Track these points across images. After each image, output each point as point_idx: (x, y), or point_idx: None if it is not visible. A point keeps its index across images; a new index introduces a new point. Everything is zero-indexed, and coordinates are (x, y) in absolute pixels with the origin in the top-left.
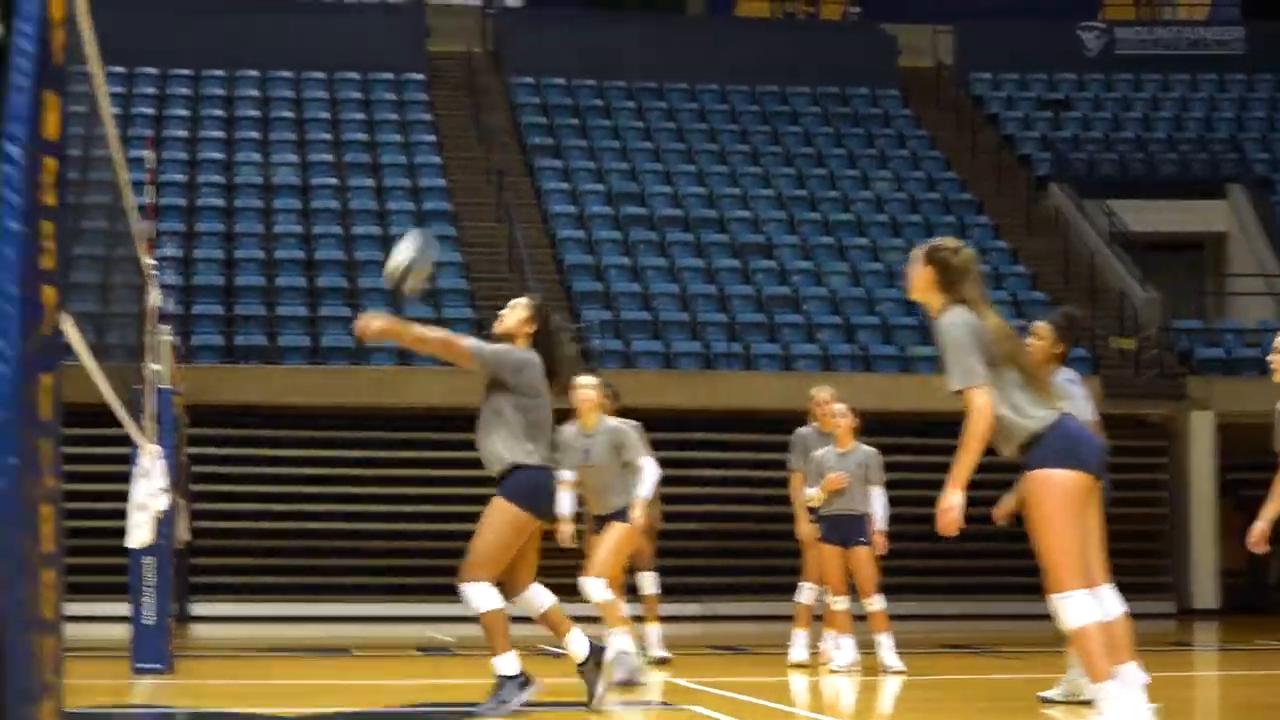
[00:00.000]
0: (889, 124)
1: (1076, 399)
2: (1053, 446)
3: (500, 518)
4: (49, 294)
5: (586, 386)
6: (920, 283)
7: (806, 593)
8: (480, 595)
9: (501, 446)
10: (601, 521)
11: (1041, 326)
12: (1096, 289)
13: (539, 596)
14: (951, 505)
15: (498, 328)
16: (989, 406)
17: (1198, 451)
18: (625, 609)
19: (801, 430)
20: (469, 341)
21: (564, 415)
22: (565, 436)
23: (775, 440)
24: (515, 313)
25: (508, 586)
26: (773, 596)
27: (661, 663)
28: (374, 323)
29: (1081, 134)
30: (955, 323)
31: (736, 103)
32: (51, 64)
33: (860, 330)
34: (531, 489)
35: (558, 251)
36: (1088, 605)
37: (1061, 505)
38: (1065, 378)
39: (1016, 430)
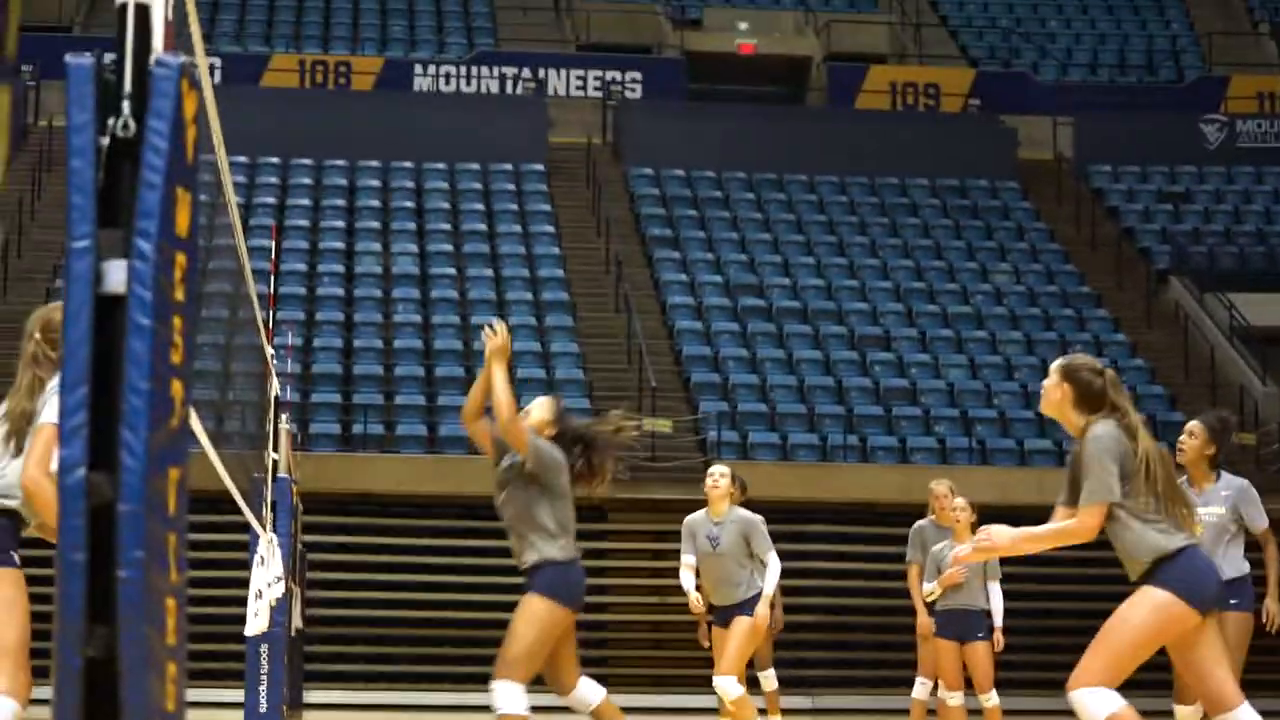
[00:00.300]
0: (1008, 216)
1: (1249, 505)
2: (1175, 574)
3: (534, 614)
4: (177, 388)
5: (719, 474)
6: (1055, 400)
7: (920, 688)
8: (508, 696)
9: (539, 541)
10: (723, 613)
11: (1195, 426)
12: (1217, 383)
13: (589, 691)
14: (995, 538)
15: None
16: (1096, 529)
17: None
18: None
19: (920, 523)
20: (528, 428)
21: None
22: (694, 523)
23: (892, 534)
24: (539, 412)
25: (556, 684)
26: (887, 690)
27: None
28: (498, 341)
29: (1202, 227)
30: (1102, 435)
31: (855, 194)
32: (183, 161)
33: (978, 423)
34: (565, 583)
35: (675, 342)
36: (1110, 698)
37: (1154, 628)
38: (1231, 485)
39: (1143, 550)
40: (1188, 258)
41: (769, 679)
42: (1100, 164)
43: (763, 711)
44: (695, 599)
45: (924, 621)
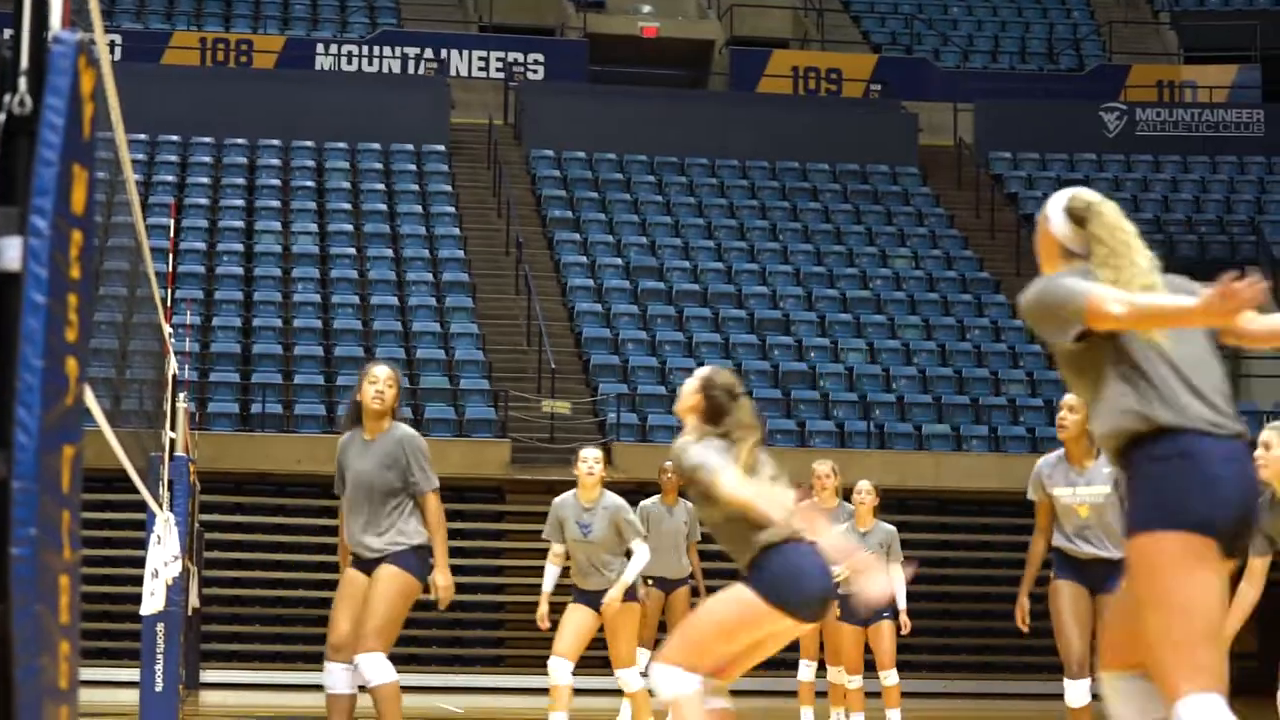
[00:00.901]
0: (908, 201)
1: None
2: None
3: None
4: (72, 366)
5: (593, 460)
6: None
7: (805, 669)
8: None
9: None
10: (589, 596)
11: (1075, 400)
12: None
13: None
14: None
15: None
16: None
17: None
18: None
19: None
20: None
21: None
22: (563, 508)
23: None
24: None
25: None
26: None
27: None
28: None
29: None
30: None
31: (756, 178)
32: (80, 138)
33: (876, 407)
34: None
35: (575, 324)
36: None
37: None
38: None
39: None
40: None
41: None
42: (1000, 150)
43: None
44: (543, 613)
45: None
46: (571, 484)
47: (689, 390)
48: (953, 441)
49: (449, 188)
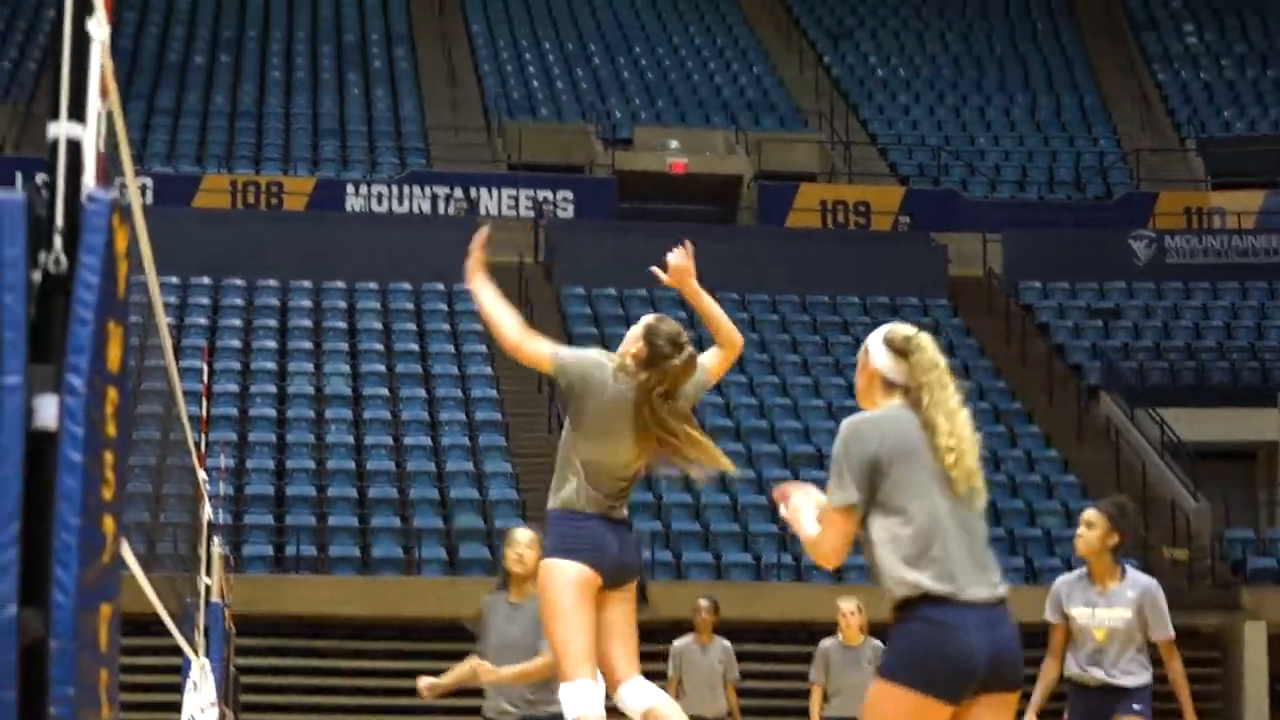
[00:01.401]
0: (939, 332)
1: (1155, 609)
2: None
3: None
4: (109, 524)
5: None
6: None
7: None
8: None
9: None
10: None
11: (1093, 514)
12: (1148, 498)
13: None
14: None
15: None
16: None
17: (1251, 662)
18: None
19: (825, 643)
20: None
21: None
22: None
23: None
24: None
25: None
26: None
27: None
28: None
29: (1132, 343)
30: None
31: (787, 311)
32: (115, 295)
33: None
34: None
35: None
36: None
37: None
38: (1137, 585)
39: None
40: (1118, 373)
41: None
42: (1030, 280)
43: None
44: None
45: None
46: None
47: (632, 337)
48: None
49: (480, 326)
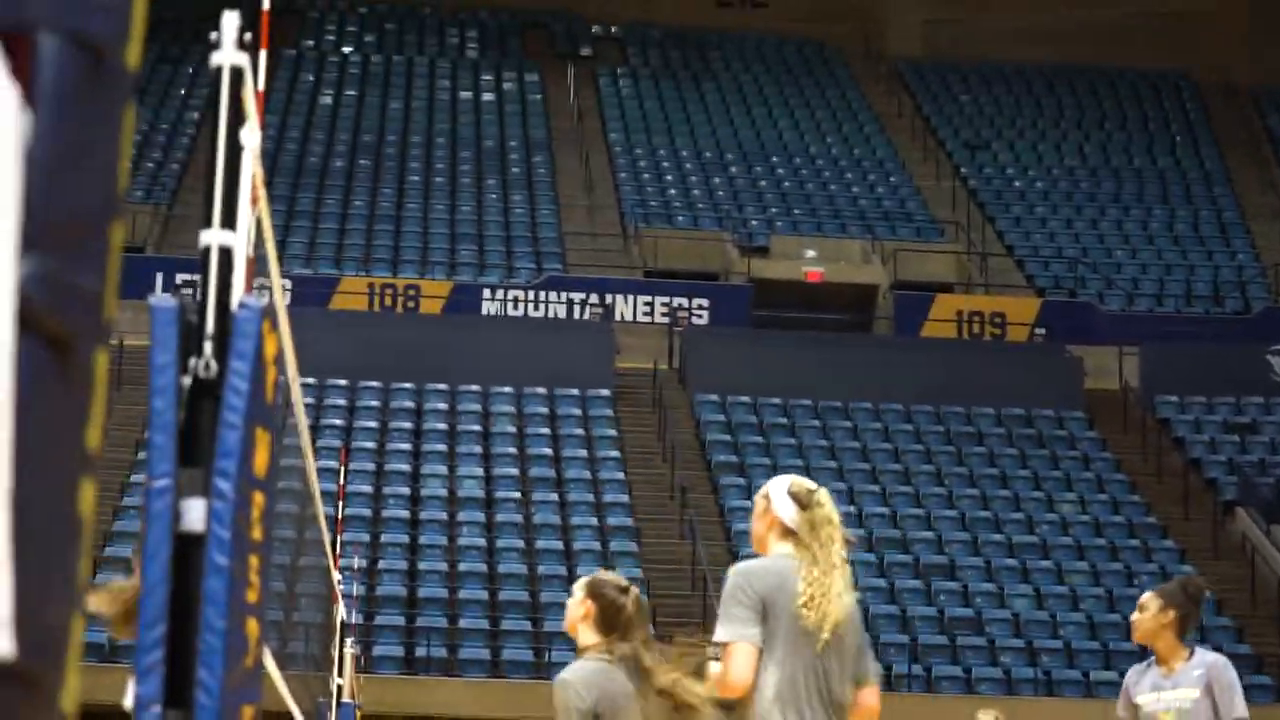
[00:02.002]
0: (1074, 446)
1: (1224, 686)
2: None
3: None
4: (253, 627)
5: None
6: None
7: None
8: None
9: None
10: None
11: (1146, 597)
12: None
13: None
14: None
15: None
16: None
17: None
18: None
19: None
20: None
21: None
22: None
23: None
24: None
25: None
26: None
27: None
28: None
29: (1269, 458)
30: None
31: (921, 423)
32: (263, 401)
33: (1043, 654)
34: None
35: None
36: None
37: None
38: (1204, 663)
39: None
40: (1254, 488)
41: None
42: (1166, 394)
43: None
44: None
45: None
46: None
47: (574, 604)
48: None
49: (614, 432)
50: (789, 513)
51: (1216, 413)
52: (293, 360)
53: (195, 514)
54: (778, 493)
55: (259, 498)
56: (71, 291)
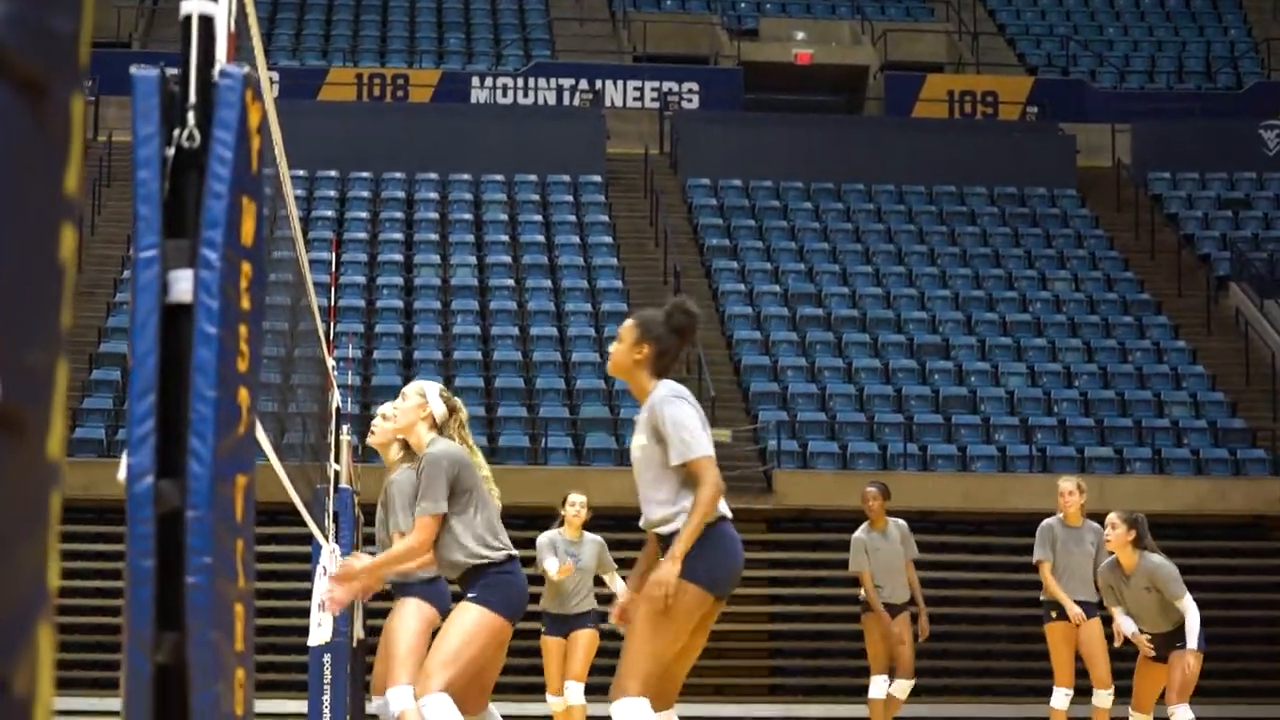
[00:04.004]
0: (1067, 224)
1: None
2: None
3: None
4: (244, 396)
5: (580, 504)
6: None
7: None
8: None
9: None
10: (564, 624)
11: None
12: (1278, 389)
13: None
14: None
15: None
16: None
17: None
18: None
19: (1048, 521)
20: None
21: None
22: (550, 543)
23: (952, 541)
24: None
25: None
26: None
27: None
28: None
29: (1262, 233)
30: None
31: (913, 203)
32: (248, 170)
33: (1038, 431)
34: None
35: (734, 352)
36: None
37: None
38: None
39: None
40: (1248, 264)
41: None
42: (1159, 171)
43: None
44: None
45: (1076, 612)
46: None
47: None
48: (1116, 464)
49: (606, 218)
50: (441, 412)
51: (1209, 188)
52: (282, 155)
53: (183, 285)
54: (433, 396)
55: (246, 267)
56: (44, 33)
